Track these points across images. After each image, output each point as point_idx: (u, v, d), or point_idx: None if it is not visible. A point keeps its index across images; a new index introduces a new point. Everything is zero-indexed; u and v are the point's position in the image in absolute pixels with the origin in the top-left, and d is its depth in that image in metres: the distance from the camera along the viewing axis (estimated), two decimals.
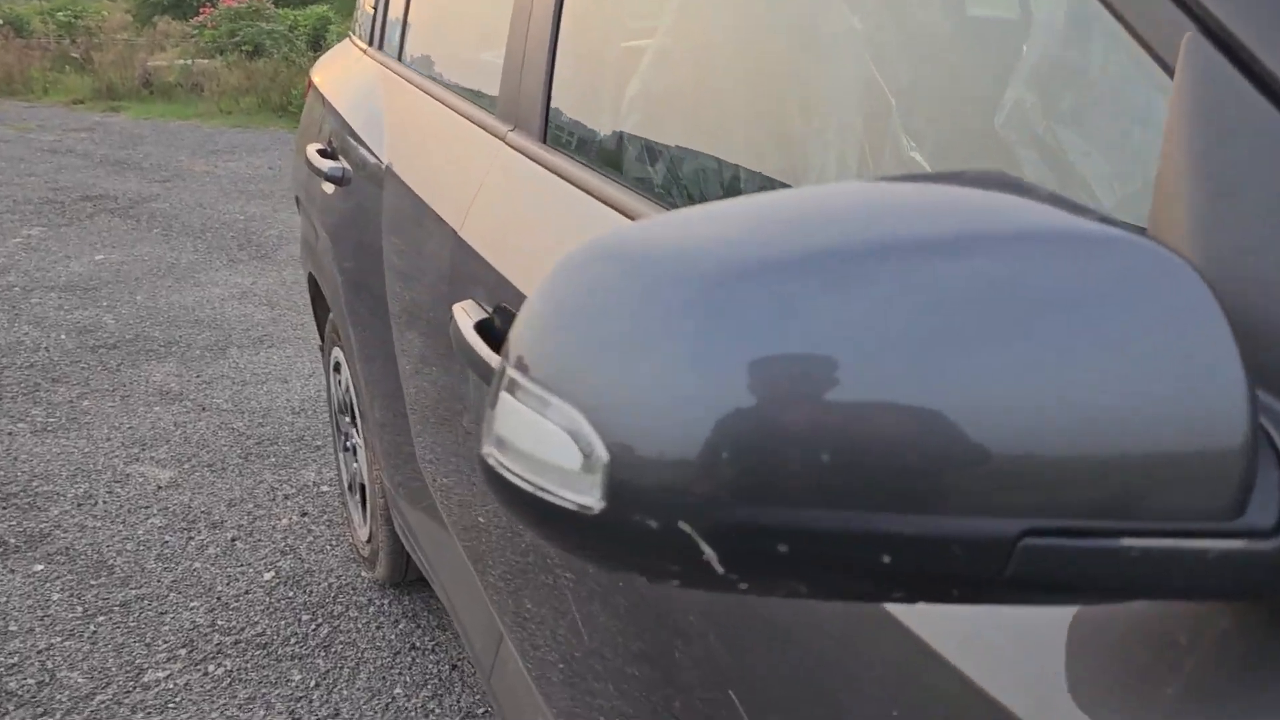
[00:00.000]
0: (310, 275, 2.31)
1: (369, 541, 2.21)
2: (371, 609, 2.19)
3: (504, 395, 0.43)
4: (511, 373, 0.42)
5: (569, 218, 1.03)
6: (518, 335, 0.43)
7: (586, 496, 0.40)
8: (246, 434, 2.94)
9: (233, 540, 2.42)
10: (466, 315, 1.08)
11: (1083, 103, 0.65)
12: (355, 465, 2.26)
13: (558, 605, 1.10)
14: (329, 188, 1.93)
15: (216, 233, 4.89)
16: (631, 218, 0.93)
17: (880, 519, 0.37)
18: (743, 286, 0.38)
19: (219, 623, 2.14)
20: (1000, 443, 0.37)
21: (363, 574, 2.30)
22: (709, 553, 0.38)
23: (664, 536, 0.38)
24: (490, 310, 1.09)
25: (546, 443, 0.41)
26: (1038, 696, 0.48)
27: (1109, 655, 0.47)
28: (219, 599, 2.21)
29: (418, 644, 2.10)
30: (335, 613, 2.18)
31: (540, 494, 0.41)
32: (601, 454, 0.39)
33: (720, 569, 0.38)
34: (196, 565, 2.33)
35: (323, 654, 2.05)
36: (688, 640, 0.81)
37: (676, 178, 0.97)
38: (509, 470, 0.43)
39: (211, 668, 2.01)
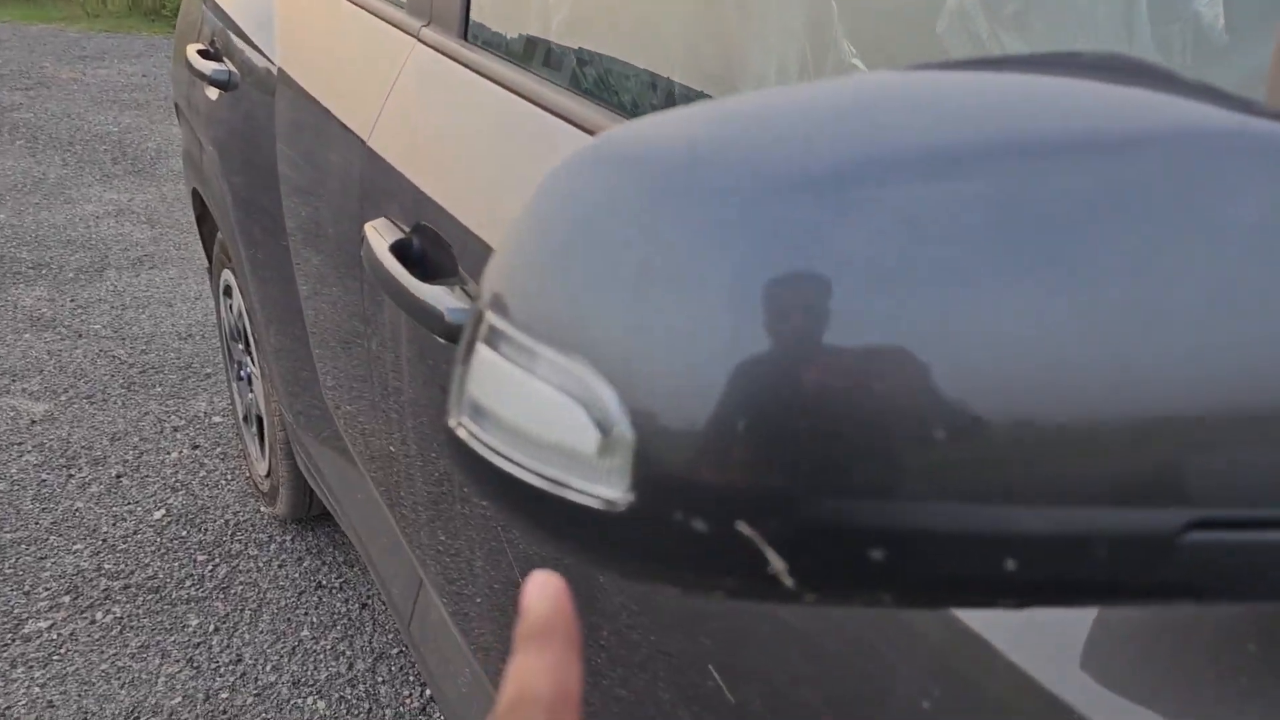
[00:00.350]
0: (194, 190, 2.12)
1: (268, 476, 2.07)
2: (273, 547, 2.07)
3: (481, 349, 0.32)
4: (491, 318, 0.32)
5: (496, 123, 0.90)
6: (499, 269, 0.32)
7: (604, 487, 0.30)
8: (129, 362, 2.73)
9: (118, 477, 2.25)
10: (379, 236, 0.96)
11: (1027, 7, 0.58)
12: (250, 395, 2.11)
13: (475, 535, 1.01)
14: (213, 93, 1.74)
15: (88, 145, 4.54)
16: (568, 120, 0.81)
17: (1011, 514, 0.28)
18: (828, 197, 0.28)
19: (105, 566, 1.98)
20: (1170, 404, 0.28)
21: (262, 510, 2.16)
22: (777, 563, 0.28)
23: (715, 542, 0.28)
24: (407, 230, 0.96)
25: (545, 413, 0.30)
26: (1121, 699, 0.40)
27: (1209, 645, 0.39)
28: (104, 541, 2.05)
29: (324, 582, 1.98)
30: (233, 552, 2.04)
31: (538, 482, 0.31)
32: (625, 430, 0.29)
33: (790, 582, 0.29)
34: (78, 505, 2.16)
35: (221, 596, 1.93)
36: None
37: (613, 76, 0.86)
38: (490, 449, 0.32)
39: (99, 615, 1.86)
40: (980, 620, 0.44)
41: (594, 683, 0.83)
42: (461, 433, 0.33)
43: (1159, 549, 0.29)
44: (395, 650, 1.83)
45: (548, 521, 0.31)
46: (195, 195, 2.13)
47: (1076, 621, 0.41)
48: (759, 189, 0.29)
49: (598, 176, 0.31)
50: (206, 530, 2.10)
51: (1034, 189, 0.29)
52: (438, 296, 0.83)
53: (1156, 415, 0.28)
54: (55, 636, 1.81)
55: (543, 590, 0.29)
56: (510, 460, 0.31)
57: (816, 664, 0.55)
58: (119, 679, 1.73)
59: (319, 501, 1.88)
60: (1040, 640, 0.42)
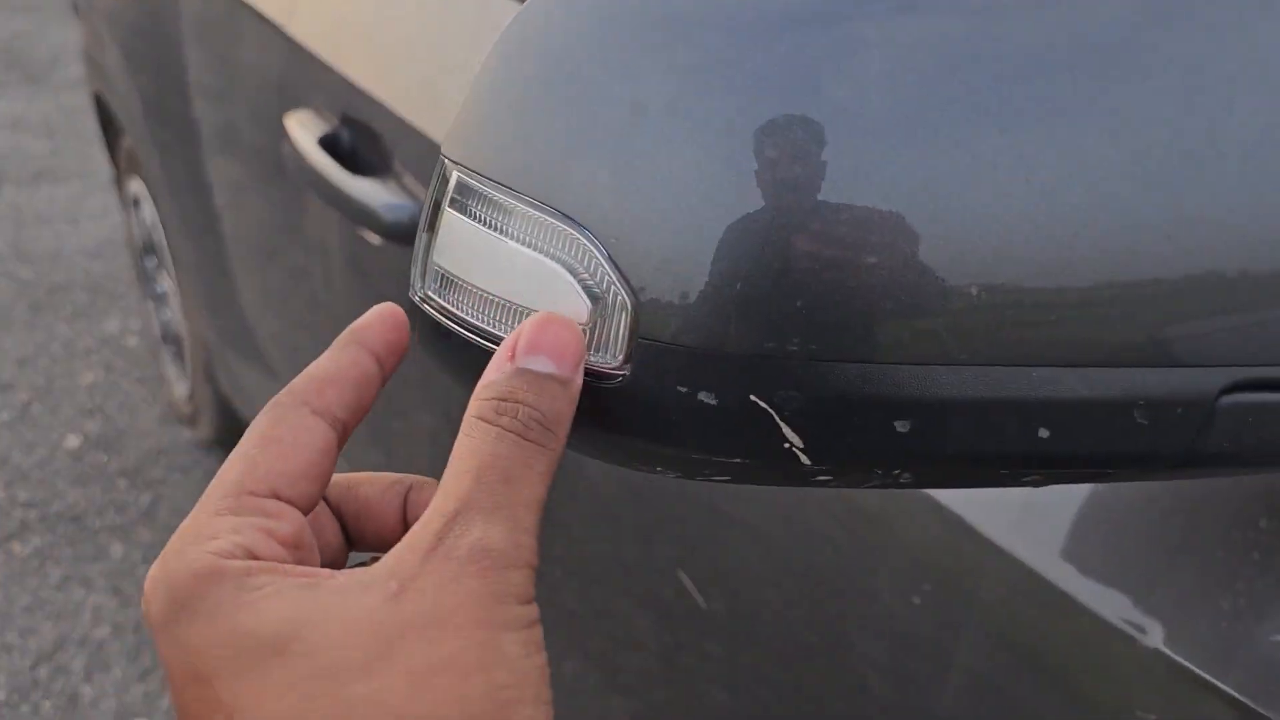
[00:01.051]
0: (97, 94, 1.99)
1: (190, 398, 1.99)
2: (198, 471, 2.00)
3: (449, 213, 0.28)
4: (460, 175, 0.28)
5: (432, 2, 0.84)
6: (467, 120, 0.28)
7: (598, 358, 0.26)
8: (33, 282, 2.60)
9: (27, 404, 2.15)
10: (305, 129, 0.90)
11: None
12: (166, 313, 2.02)
13: (416, 449, 0.98)
14: None
15: None
16: None
17: (1041, 378, 0.25)
18: (832, 32, 0.25)
19: (20, 497, 1.90)
20: (1214, 254, 0.25)
21: (185, 433, 2.09)
22: (793, 439, 0.25)
23: (725, 416, 0.25)
24: (335, 121, 0.90)
25: (525, 280, 0.27)
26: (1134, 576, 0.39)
27: (1219, 523, 0.37)
28: (17, 470, 1.97)
29: None
30: (155, 478, 1.97)
31: None
32: (621, 294, 0.25)
33: (806, 460, 0.26)
34: None
35: (146, 524, 1.86)
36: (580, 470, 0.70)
37: None
38: (461, 323, 0.29)
39: (16, 547, 1.79)
40: (972, 510, 0.42)
41: (548, 598, 0.81)
42: (429, 309, 0.29)
43: (1196, 413, 0.26)
44: None
45: None
46: (98, 99, 2.01)
47: (1075, 505, 0.40)
48: (757, 21, 0.25)
49: (577, 10, 0.27)
50: (126, 456, 2.02)
51: (1066, 19, 0.26)
52: (373, 192, 0.77)
53: (1197, 269, 0.26)
54: None
55: (381, 313, 0.31)
56: (482, 333, 0.28)
57: (794, 572, 0.53)
58: (42, 611, 1.67)
59: (245, 424, 1.82)
60: (1038, 527, 0.40)
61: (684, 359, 0.25)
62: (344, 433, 0.30)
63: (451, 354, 0.29)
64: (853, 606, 0.48)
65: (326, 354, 0.30)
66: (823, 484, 0.28)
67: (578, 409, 0.26)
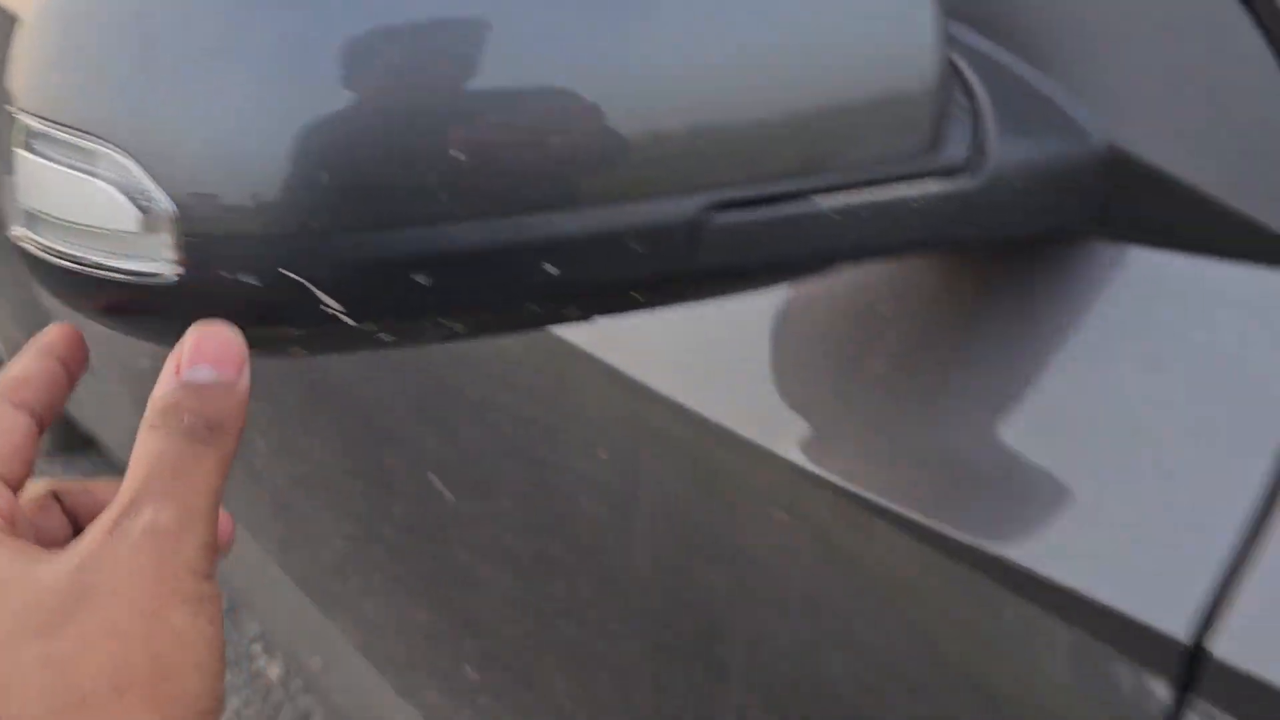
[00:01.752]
0: None
1: None
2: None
3: (21, 155, 0.31)
4: (25, 119, 0.31)
5: None
6: (23, 65, 0.31)
7: (155, 262, 0.30)
8: None
9: None
10: None
11: None
12: None
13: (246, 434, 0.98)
14: None
15: None
16: None
17: (535, 222, 0.30)
18: None
19: None
20: (663, 111, 0.30)
21: None
22: (331, 304, 0.30)
23: (269, 294, 0.29)
24: None
25: (92, 205, 0.30)
26: (723, 385, 0.44)
27: (805, 337, 0.43)
28: None
29: None
30: None
31: (98, 272, 0.31)
32: (164, 204, 0.29)
33: (352, 321, 0.30)
34: None
35: None
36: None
37: None
38: (52, 253, 0.32)
39: None
40: (634, 364, 0.47)
41: (397, 560, 0.82)
42: (25, 245, 0.33)
43: (686, 235, 0.31)
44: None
45: (117, 307, 0.31)
46: None
47: (716, 339, 0.45)
48: None
49: None
50: None
51: None
52: None
53: (663, 106, 0.30)
54: None
55: (60, 331, 0.35)
56: (69, 258, 0.31)
57: (518, 449, 0.58)
58: None
59: (81, 429, 1.79)
60: (689, 368, 0.45)
61: (223, 247, 0.29)
62: (41, 425, 0.35)
63: (50, 280, 0.32)
64: (558, 473, 0.53)
65: (22, 357, 0.35)
66: (391, 344, 0.32)
67: (145, 313, 0.30)
